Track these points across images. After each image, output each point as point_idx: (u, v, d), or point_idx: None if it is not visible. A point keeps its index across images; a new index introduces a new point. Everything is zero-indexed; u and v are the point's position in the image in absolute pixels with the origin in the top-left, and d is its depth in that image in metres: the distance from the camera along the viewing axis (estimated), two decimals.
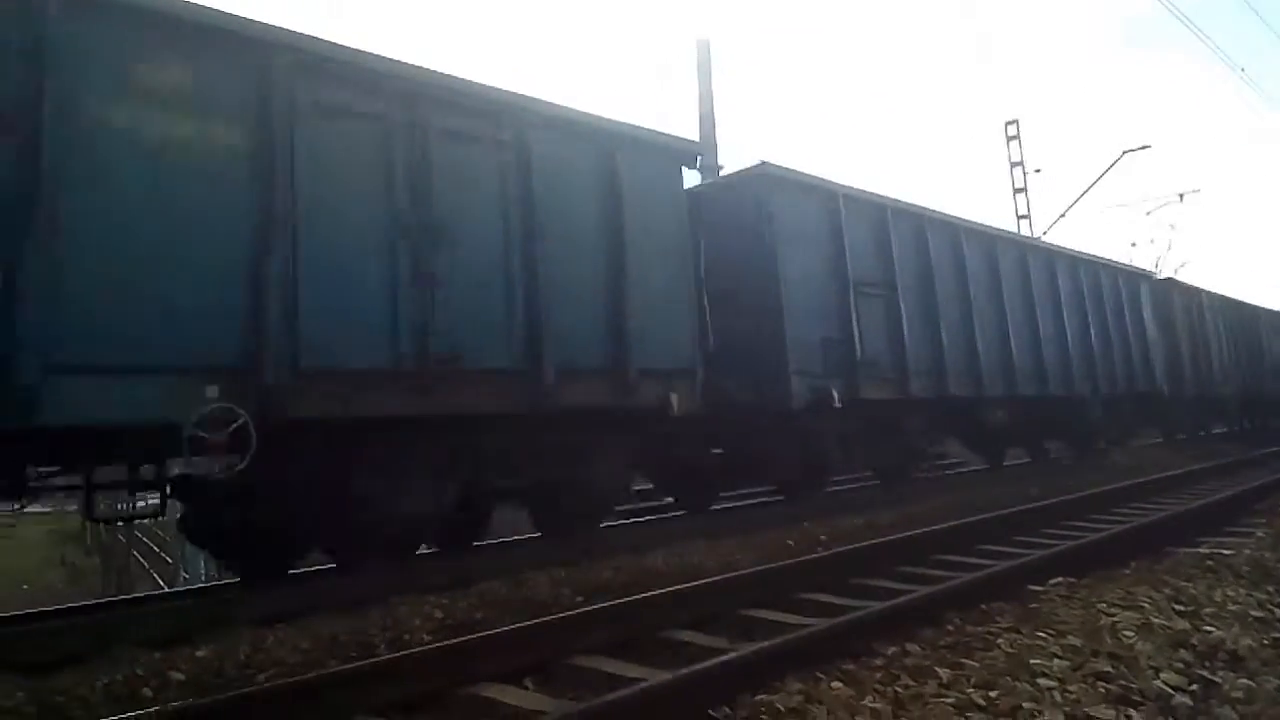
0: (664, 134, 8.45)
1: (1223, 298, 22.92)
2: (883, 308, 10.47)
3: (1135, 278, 17.68)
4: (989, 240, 12.94)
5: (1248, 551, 5.79)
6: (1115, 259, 16.87)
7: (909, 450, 11.65)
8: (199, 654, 4.37)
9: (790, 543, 7.12)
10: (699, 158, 8.95)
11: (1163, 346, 17.93)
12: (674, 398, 7.73)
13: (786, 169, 9.65)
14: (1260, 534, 6.59)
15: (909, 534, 6.80)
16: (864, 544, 6.44)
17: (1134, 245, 39.60)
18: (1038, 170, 33.73)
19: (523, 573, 6.14)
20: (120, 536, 16.87)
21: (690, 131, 16.23)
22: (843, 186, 10.31)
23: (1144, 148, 25.55)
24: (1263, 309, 26.23)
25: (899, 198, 11.32)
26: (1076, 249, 15.59)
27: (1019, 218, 23.51)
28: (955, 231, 12.13)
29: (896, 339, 10.52)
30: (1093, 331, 15.13)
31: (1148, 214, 33.82)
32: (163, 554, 18.02)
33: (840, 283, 9.93)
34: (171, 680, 4.02)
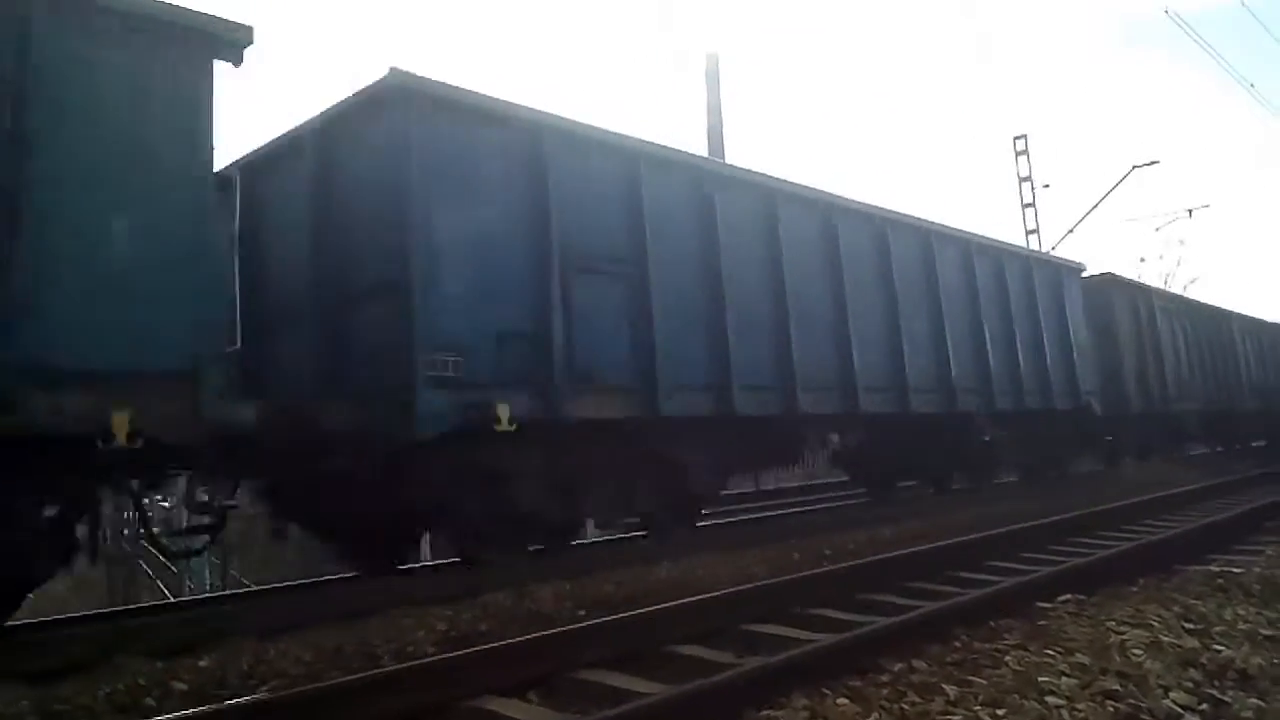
0: (155, 2, 5.42)
1: (1184, 300, 20.58)
2: (621, 292, 7.68)
3: (1058, 270, 14.65)
4: (826, 209, 10.09)
5: (1258, 569, 5.74)
6: (1034, 249, 14.93)
7: (683, 491, 8.54)
8: (202, 664, 4.36)
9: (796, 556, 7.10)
10: (244, 49, 5.74)
11: (1096, 355, 15.16)
12: (121, 418, 4.85)
13: (444, 84, 6.68)
14: (1270, 552, 6.53)
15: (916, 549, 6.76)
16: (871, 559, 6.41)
17: (1143, 261, 39.56)
18: (1046, 185, 33.65)
19: (527, 585, 6.11)
20: (126, 546, 16.88)
21: (699, 144, 16.22)
22: (552, 117, 7.41)
23: (1153, 163, 25.57)
24: (1236, 314, 23.44)
25: (663, 143, 8.53)
26: (970, 230, 12.75)
27: (1028, 233, 23.51)
28: (766, 196, 9.40)
29: (643, 337, 7.72)
30: (988, 334, 12.19)
31: (1157, 230, 33.76)
32: (169, 564, 18.02)
33: (539, 254, 7.06)
34: (174, 690, 4.02)
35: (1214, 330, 21.00)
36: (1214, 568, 5.93)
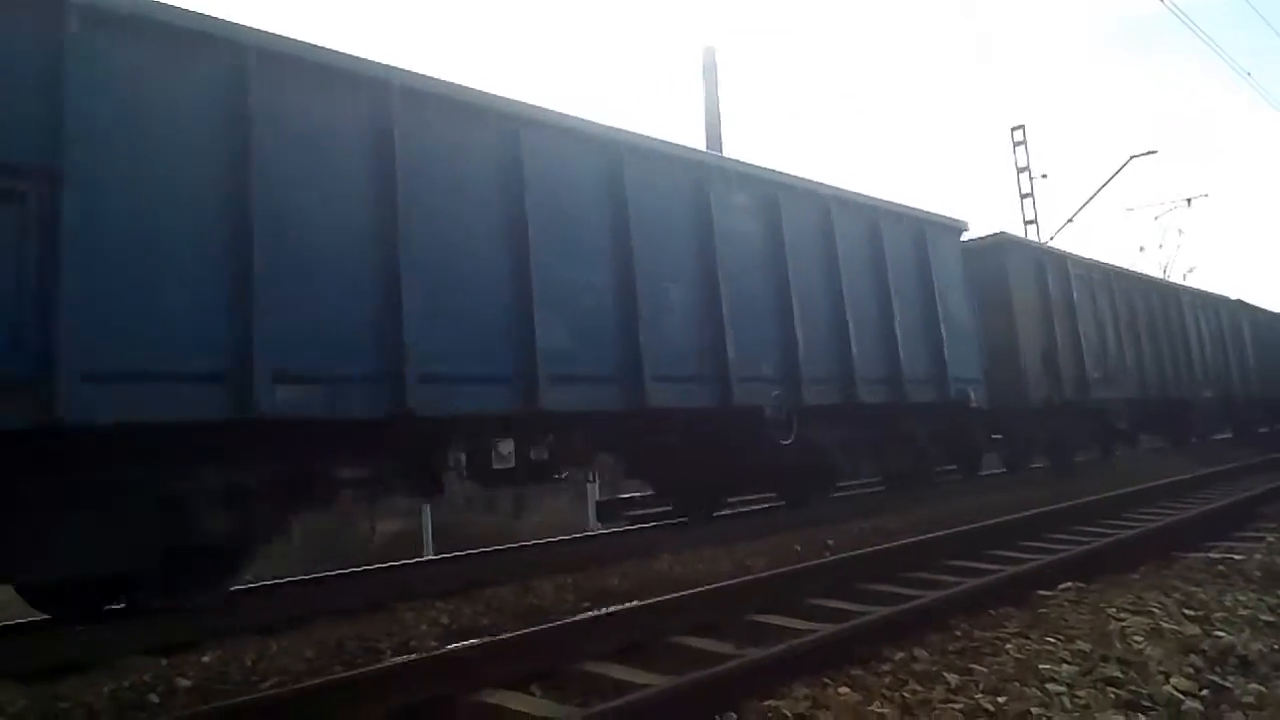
0: None
1: (1115, 270, 16.82)
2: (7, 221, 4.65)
3: (921, 227, 11.29)
4: (503, 119, 6.93)
5: (1258, 556, 5.77)
6: (888, 198, 11.08)
7: (183, 537, 5.45)
8: (205, 660, 4.38)
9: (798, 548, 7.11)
10: None
11: (983, 334, 12.22)
12: None
13: None
14: (1271, 539, 6.55)
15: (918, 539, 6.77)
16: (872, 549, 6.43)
17: (1142, 250, 39.55)
18: (1044, 176, 33.67)
19: (530, 579, 6.13)
20: None
21: (697, 140, 16.08)
22: None
23: (1151, 153, 25.62)
24: (1188, 288, 20.64)
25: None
26: (784, 170, 9.58)
27: (1027, 223, 23.50)
28: (375, 87, 6.25)
29: (38, 291, 4.64)
30: (798, 306, 9.08)
31: (1155, 219, 33.79)
32: None
33: None
34: (178, 687, 4.03)
35: (1158, 307, 17.67)
36: (1214, 555, 5.96)
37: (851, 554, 6.28)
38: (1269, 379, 23.41)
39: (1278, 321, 25.97)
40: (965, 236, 12.48)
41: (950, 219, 12.13)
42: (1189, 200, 30.42)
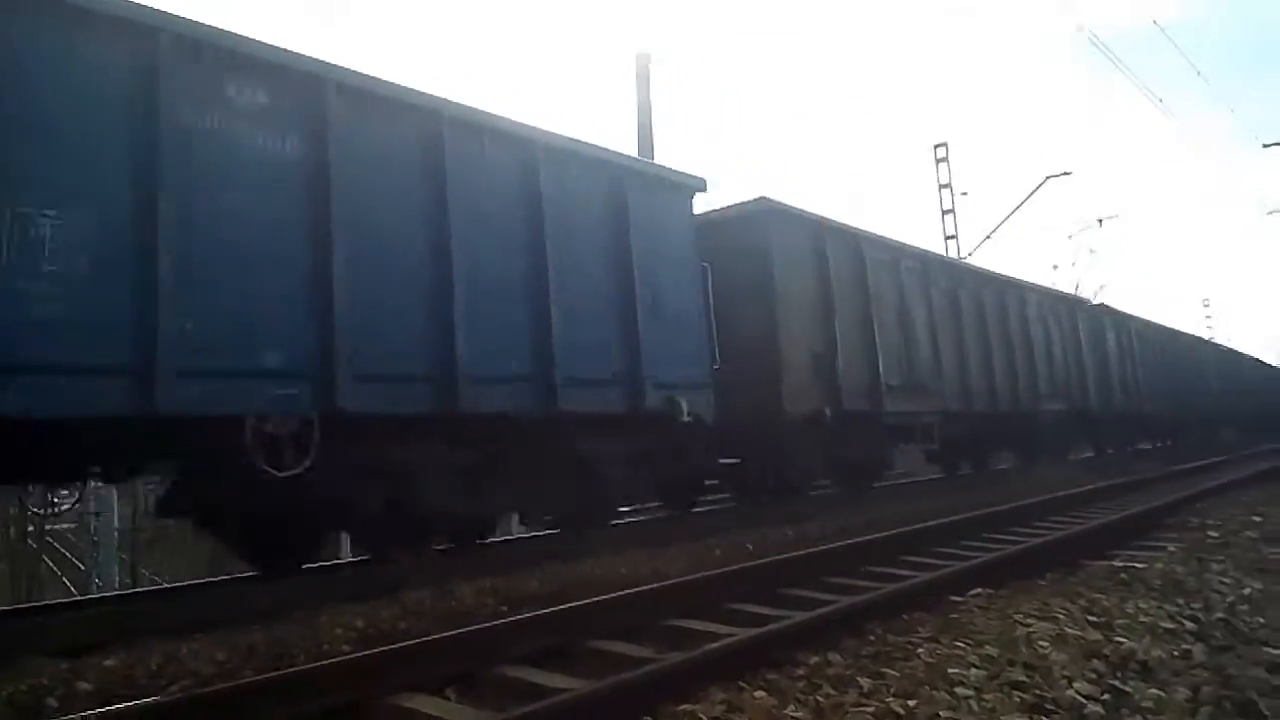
0: None
1: (935, 258, 14.64)
2: None
3: (616, 175, 8.55)
4: None
5: (1160, 565, 5.96)
6: (555, 130, 8.03)
7: None
8: (108, 664, 4.24)
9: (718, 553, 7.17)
10: None
11: (717, 327, 9.41)
12: None
13: None
14: (1172, 548, 6.78)
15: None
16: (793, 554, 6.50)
17: (1056, 268, 40.77)
18: (964, 193, 34.52)
19: (449, 582, 6.06)
20: (31, 542, 16.28)
21: (629, 144, 15.70)
22: None
23: (1066, 174, 26.42)
24: (1034, 287, 17.76)
25: None
26: (338, 64, 6.41)
27: (947, 238, 24.05)
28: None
29: None
30: (343, 257, 6.13)
31: (1069, 238, 34.89)
32: (75, 560, 17.44)
33: None
34: (79, 691, 3.90)
35: (992, 305, 15.20)
36: (1118, 563, 6.15)
37: (770, 559, 6.34)
38: (1137, 391, 21.47)
39: (1151, 331, 24.29)
40: (708, 200, 9.92)
41: (674, 173, 9.46)
42: (1100, 220, 31.50)
